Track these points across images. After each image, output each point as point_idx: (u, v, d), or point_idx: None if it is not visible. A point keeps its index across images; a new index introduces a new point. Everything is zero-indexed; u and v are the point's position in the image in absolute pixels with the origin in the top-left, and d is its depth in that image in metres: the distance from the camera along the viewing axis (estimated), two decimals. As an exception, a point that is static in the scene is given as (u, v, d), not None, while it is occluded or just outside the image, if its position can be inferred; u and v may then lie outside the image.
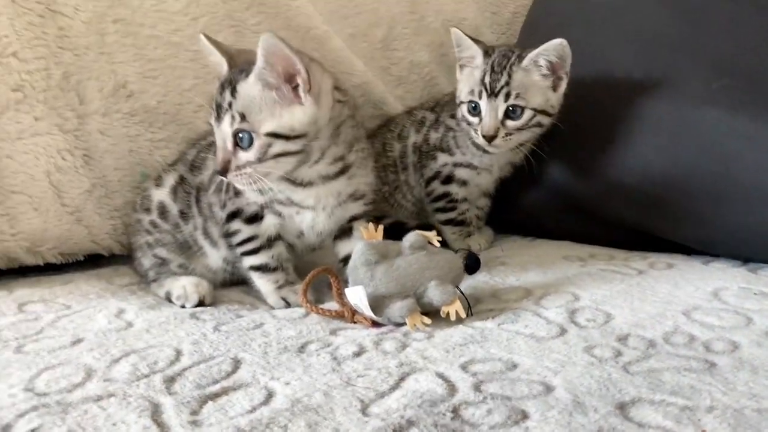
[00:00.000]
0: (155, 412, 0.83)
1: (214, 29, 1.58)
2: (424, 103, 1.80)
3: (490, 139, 1.46)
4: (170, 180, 1.35)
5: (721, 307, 1.12)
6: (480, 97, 1.47)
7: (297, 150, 1.14)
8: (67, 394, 0.88)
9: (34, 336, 1.10)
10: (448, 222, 1.66)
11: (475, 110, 1.49)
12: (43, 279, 1.42)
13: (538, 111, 1.46)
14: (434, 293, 1.09)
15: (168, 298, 1.28)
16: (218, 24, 1.60)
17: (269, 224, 1.25)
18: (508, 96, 1.44)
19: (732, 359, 0.93)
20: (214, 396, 0.87)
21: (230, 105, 1.12)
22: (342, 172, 1.22)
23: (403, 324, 1.09)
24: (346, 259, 1.28)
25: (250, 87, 1.11)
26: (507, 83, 1.44)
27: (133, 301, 1.27)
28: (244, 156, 1.12)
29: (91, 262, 1.53)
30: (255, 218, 1.25)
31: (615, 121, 1.49)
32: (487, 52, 1.50)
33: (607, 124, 1.50)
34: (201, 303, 1.25)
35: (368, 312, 1.09)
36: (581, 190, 1.56)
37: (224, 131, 1.13)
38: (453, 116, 1.61)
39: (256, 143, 1.11)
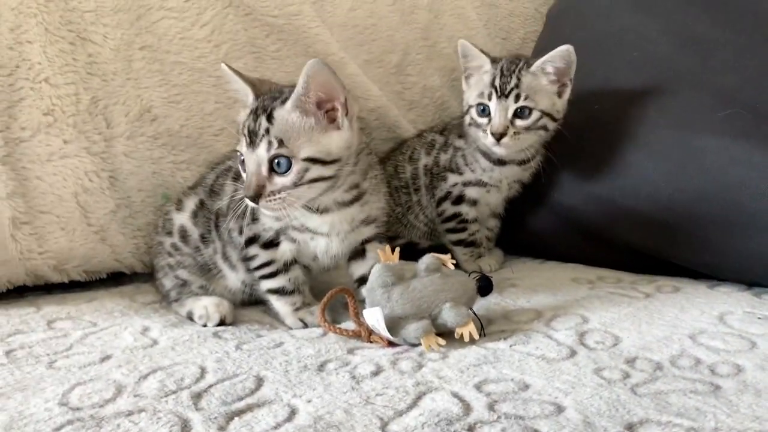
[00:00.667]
0: (184, 427, 0.87)
1: (236, 56, 1.64)
2: (433, 127, 1.85)
3: (499, 137, 1.50)
4: (191, 204, 1.39)
5: (726, 331, 1.16)
6: (490, 99, 1.52)
7: (330, 175, 1.17)
8: (100, 409, 0.92)
9: (64, 352, 1.14)
10: (459, 243, 1.70)
11: (483, 112, 1.54)
12: (68, 296, 1.47)
13: (545, 113, 1.52)
14: (449, 315, 1.13)
15: (190, 317, 1.32)
16: (239, 50, 1.66)
17: (285, 250, 1.29)
18: (518, 98, 1.50)
19: (736, 382, 0.96)
20: (240, 412, 0.91)
21: (267, 131, 1.13)
22: (357, 198, 1.26)
23: (419, 345, 1.13)
24: (360, 280, 1.32)
25: (287, 113, 1.14)
26: (516, 85, 1.50)
27: (156, 319, 1.31)
28: (281, 181, 1.14)
29: (114, 279, 1.58)
30: (271, 244, 1.29)
31: (623, 147, 1.54)
32: (495, 60, 1.56)
33: (616, 150, 1.55)
34: (222, 322, 1.29)
35: (385, 333, 1.13)
36: (590, 214, 1.60)
37: (260, 156, 1.14)
38: (461, 136, 1.67)
39: (294, 168, 1.14)
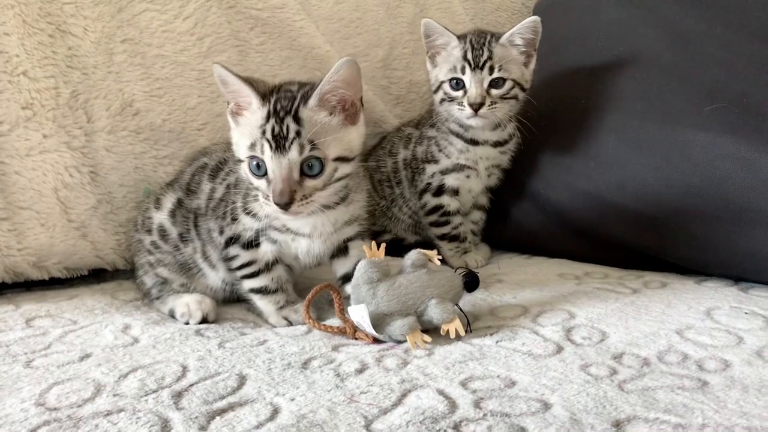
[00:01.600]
0: (164, 427, 0.85)
1: (219, 49, 1.62)
2: (410, 121, 1.86)
3: (477, 107, 1.51)
4: (168, 203, 1.37)
5: (713, 326, 1.15)
6: (463, 72, 1.53)
7: (351, 172, 1.16)
8: (78, 409, 0.90)
9: (42, 351, 1.12)
10: (444, 237, 1.70)
11: (458, 85, 1.55)
12: (48, 293, 1.44)
13: (516, 83, 1.54)
14: (435, 311, 1.12)
15: (172, 315, 1.30)
16: (223, 44, 1.64)
17: (266, 251, 1.27)
18: (492, 69, 1.52)
19: (723, 378, 0.95)
20: (222, 411, 0.89)
21: (298, 133, 1.09)
22: (343, 199, 1.24)
23: (404, 342, 1.11)
24: (344, 278, 1.31)
25: (314, 113, 1.11)
26: (489, 57, 1.51)
27: (138, 317, 1.29)
28: (312, 184, 1.12)
29: (95, 276, 1.56)
30: (252, 244, 1.26)
31: (610, 142, 1.53)
32: (461, 36, 1.57)
33: (602, 145, 1.54)
34: (204, 320, 1.27)
35: (370, 330, 1.11)
36: (576, 209, 1.59)
37: (292, 161, 1.09)
38: (433, 125, 1.67)
39: (327, 169, 1.12)
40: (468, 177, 1.67)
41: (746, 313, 1.21)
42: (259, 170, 1.12)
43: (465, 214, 1.73)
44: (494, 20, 2.14)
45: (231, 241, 1.27)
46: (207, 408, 0.90)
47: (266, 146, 1.10)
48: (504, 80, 1.52)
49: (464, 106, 1.52)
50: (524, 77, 1.56)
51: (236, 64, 1.64)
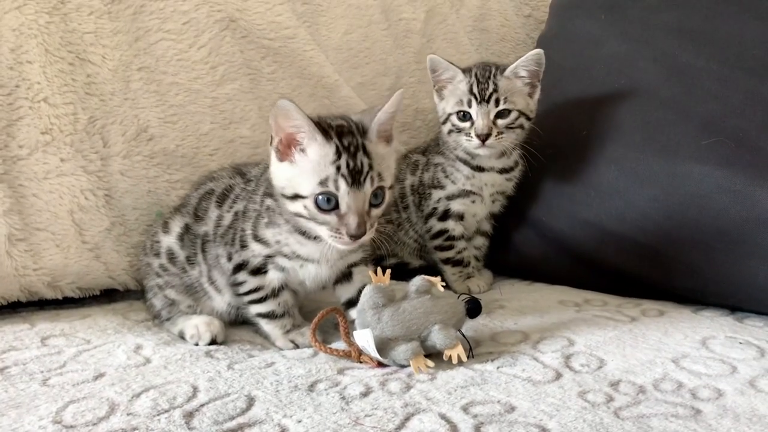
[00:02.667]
0: (177, 447, 0.89)
1: (232, 77, 1.67)
2: (416, 148, 1.90)
3: (485, 138, 1.57)
4: (177, 227, 1.39)
5: (708, 355, 1.18)
6: (470, 106, 1.59)
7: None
8: (93, 427, 0.93)
9: (58, 369, 1.15)
10: (448, 261, 1.73)
11: (465, 117, 1.61)
12: (61, 312, 1.48)
13: (521, 113, 1.60)
14: (437, 337, 1.16)
15: (182, 336, 1.33)
16: (235, 72, 1.69)
17: (272, 278, 1.30)
18: (497, 101, 1.57)
19: (716, 407, 0.98)
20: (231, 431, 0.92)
21: (371, 167, 1.13)
22: None
23: (408, 366, 1.15)
24: (347, 303, 1.34)
25: (375, 145, 1.16)
26: (495, 90, 1.57)
27: (149, 337, 1.33)
28: (376, 212, 1.17)
29: (106, 296, 1.59)
30: (259, 270, 1.29)
31: (609, 173, 1.57)
32: (465, 69, 1.63)
33: (603, 174, 1.58)
34: (213, 341, 1.30)
35: (375, 354, 1.15)
36: (577, 237, 1.63)
37: (366, 193, 1.14)
38: (439, 152, 1.73)
39: (387, 196, 1.18)
40: (473, 202, 1.71)
41: (741, 342, 1.24)
42: (329, 204, 1.14)
43: (468, 239, 1.77)
44: (499, 50, 2.19)
45: (239, 267, 1.30)
46: (217, 428, 0.93)
47: (342, 182, 1.13)
48: (509, 111, 1.58)
49: (472, 137, 1.58)
50: (529, 107, 1.61)
51: (248, 92, 1.69)
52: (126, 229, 1.56)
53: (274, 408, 1.00)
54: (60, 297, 1.50)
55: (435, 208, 1.73)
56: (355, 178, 1.13)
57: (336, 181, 1.12)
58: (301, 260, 1.28)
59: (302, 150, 1.14)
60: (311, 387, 1.08)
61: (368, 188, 1.14)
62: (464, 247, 1.74)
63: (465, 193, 1.70)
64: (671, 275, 1.49)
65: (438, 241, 1.74)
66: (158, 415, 0.97)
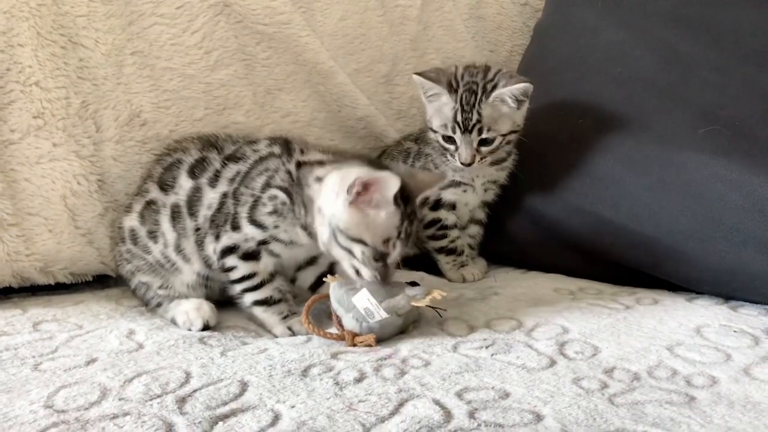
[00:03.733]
0: (169, 431, 0.88)
1: (226, 62, 1.66)
2: (409, 135, 1.88)
3: (468, 164, 1.58)
4: (138, 206, 1.39)
5: (702, 343, 1.19)
6: (454, 132, 1.58)
7: None
8: (85, 412, 0.93)
9: (49, 354, 1.15)
10: (441, 250, 1.73)
11: (449, 140, 1.60)
12: (54, 298, 1.47)
13: (506, 134, 1.59)
14: (413, 294, 1.24)
15: (174, 323, 1.33)
16: (230, 58, 1.67)
17: (267, 263, 1.30)
18: (480, 131, 1.56)
19: (710, 394, 0.99)
20: (224, 417, 0.92)
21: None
22: None
23: (402, 332, 1.23)
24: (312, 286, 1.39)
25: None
26: (478, 120, 1.55)
27: (142, 323, 1.32)
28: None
29: (99, 282, 1.59)
30: (251, 256, 1.29)
31: (605, 161, 1.56)
32: (451, 86, 1.59)
33: (598, 164, 1.58)
34: (206, 326, 1.30)
35: (379, 311, 1.17)
36: (572, 225, 1.62)
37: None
38: (429, 143, 1.71)
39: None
40: (465, 191, 1.71)
41: (735, 331, 1.24)
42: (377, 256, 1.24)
43: (462, 228, 1.76)
44: (495, 39, 2.18)
45: (229, 251, 1.29)
46: (210, 413, 0.93)
47: (399, 244, 1.26)
48: (493, 139, 1.57)
49: (456, 159, 1.59)
50: (515, 123, 1.60)
51: (242, 78, 1.68)
52: (118, 215, 1.54)
53: (267, 393, 1.00)
54: (52, 283, 1.50)
55: (426, 198, 1.72)
56: (407, 240, 1.25)
57: (394, 242, 1.23)
58: (295, 245, 1.29)
59: (375, 208, 1.20)
60: (305, 372, 1.08)
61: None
62: (457, 236, 1.73)
63: (456, 184, 1.69)
64: (666, 264, 1.48)
65: (431, 231, 1.73)
66: (150, 400, 0.97)
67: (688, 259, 1.44)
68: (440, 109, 1.60)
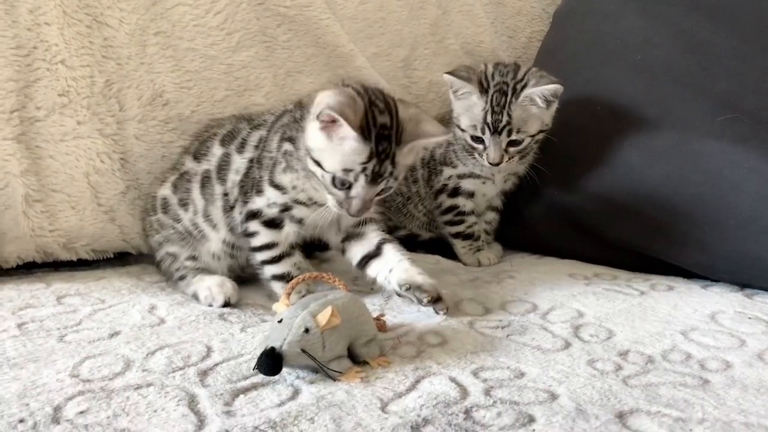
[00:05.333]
0: (192, 402, 0.90)
1: (247, 44, 1.68)
2: None
3: (496, 164, 1.59)
4: (172, 178, 1.45)
5: (717, 329, 1.20)
6: (483, 133, 1.58)
7: None
8: (109, 382, 0.95)
9: (74, 327, 1.17)
10: (458, 235, 1.74)
11: (478, 140, 1.61)
12: (76, 274, 1.50)
13: (535, 134, 1.59)
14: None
15: (195, 297, 1.35)
16: (251, 39, 1.69)
17: (288, 232, 1.32)
18: (510, 132, 1.56)
19: (724, 377, 1.00)
20: (245, 390, 0.94)
21: (392, 173, 1.24)
22: None
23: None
24: (361, 262, 1.35)
25: (404, 156, 1.25)
26: (508, 123, 1.56)
27: (163, 298, 1.34)
28: (377, 199, 1.28)
29: (120, 259, 1.61)
30: (274, 223, 1.31)
31: (623, 148, 1.57)
32: (482, 85, 1.59)
33: (615, 151, 1.58)
34: (227, 303, 1.31)
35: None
36: (589, 212, 1.63)
37: (377, 189, 1.23)
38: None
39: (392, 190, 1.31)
40: (484, 183, 1.72)
41: (750, 317, 1.25)
42: (343, 186, 1.21)
43: (479, 215, 1.77)
44: (514, 24, 2.18)
45: (253, 215, 1.32)
46: (231, 386, 0.95)
47: (362, 178, 1.21)
48: (521, 141, 1.58)
49: (485, 159, 1.60)
50: (544, 122, 1.60)
51: (263, 60, 1.69)
52: (140, 193, 1.57)
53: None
54: (75, 259, 1.52)
55: (445, 185, 1.73)
56: (375, 179, 1.20)
57: (357, 175, 1.19)
58: (317, 205, 1.30)
59: (341, 138, 1.18)
60: None
61: (381, 187, 1.22)
62: (474, 222, 1.74)
63: (476, 175, 1.71)
64: (683, 250, 1.49)
65: (448, 216, 1.74)
66: (173, 372, 0.99)
67: (705, 247, 1.44)
68: (470, 109, 1.61)
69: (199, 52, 1.62)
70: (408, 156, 1.23)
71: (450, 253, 1.75)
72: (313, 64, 1.78)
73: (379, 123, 1.18)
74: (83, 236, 1.50)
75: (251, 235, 1.33)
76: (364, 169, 1.19)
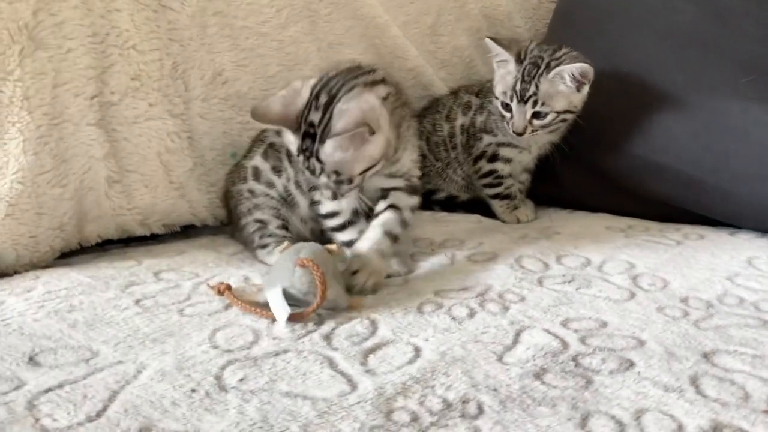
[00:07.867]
0: (332, 364, 0.98)
1: (294, 20, 1.74)
2: (468, 87, 1.97)
3: (519, 134, 1.69)
4: (260, 150, 1.52)
5: (757, 273, 1.34)
6: (511, 100, 1.68)
7: None
8: (248, 351, 1.01)
9: (186, 301, 1.21)
10: (496, 196, 1.86)
11: (507, 108, 1.71)
12: (153, 248, 1.55)
13: (561, 112, 1.68)
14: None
15: (275, 266, 1.44)
16: (297, 15, 1.75)
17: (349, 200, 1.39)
18: (535, 103, 1.66)
19: (780, 316, 1.14)
20: (371, 350, 1.02)
21: None
22: None
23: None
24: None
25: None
26: (535, 93, 1.65)
27: (252, 269, 1.39)
28: None
29: (183, 233, 1.67)
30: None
31: (651, 108, 1.69)
32: (519, 56, 1.68)
33: (645, 111, 1.70)
34: None
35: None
36: (618, 167, 1.75)
37: None
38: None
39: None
40: (520, 152, 1.83)
41: (781, 260, 1.40)
42: None
43: (515, 177, 1.88)
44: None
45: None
46: (357, 348, 1.02)
47: None
48: (546, 114, 1.66)
49: (510, 126, 1.69)
50: (572, 104, 1.68)
51: (308, 34, 1.76)
52: (206, 169, 1.64)
53: (398, 329, 1.09)
54: (148, 234, 1.59)
55: (484, 152, 1.83)
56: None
57: None
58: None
59: None
60: (419, 308, 1.18)
61: None
62: (512, 183, 1.85)
63: (513, 145, 1.81)
64: (712, 201, 1.63)
65: (487, 180, 1.85)
66: (300, 339, 1.05)
67: (732, 197, 1.58)
68: (504, 77, 1.70)
69: (253, 30, 1.68)
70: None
71: (488, 212, 1.86)
72: (351, 35, 1.86)
73: None
74: (156, 212, 1.57)
75: (317, 203, 1.43)
76: None
